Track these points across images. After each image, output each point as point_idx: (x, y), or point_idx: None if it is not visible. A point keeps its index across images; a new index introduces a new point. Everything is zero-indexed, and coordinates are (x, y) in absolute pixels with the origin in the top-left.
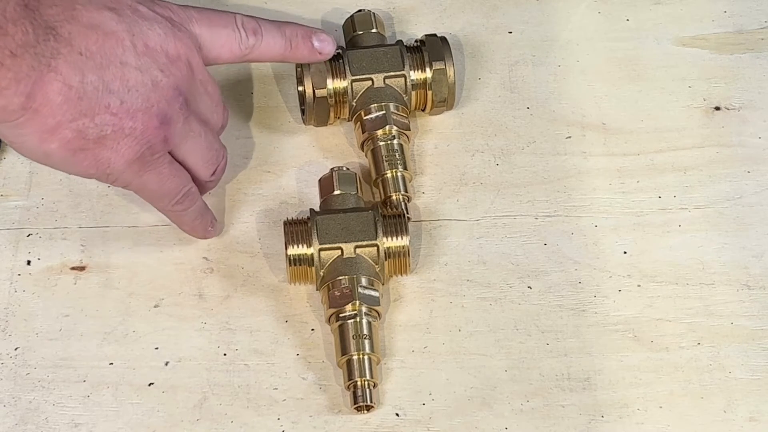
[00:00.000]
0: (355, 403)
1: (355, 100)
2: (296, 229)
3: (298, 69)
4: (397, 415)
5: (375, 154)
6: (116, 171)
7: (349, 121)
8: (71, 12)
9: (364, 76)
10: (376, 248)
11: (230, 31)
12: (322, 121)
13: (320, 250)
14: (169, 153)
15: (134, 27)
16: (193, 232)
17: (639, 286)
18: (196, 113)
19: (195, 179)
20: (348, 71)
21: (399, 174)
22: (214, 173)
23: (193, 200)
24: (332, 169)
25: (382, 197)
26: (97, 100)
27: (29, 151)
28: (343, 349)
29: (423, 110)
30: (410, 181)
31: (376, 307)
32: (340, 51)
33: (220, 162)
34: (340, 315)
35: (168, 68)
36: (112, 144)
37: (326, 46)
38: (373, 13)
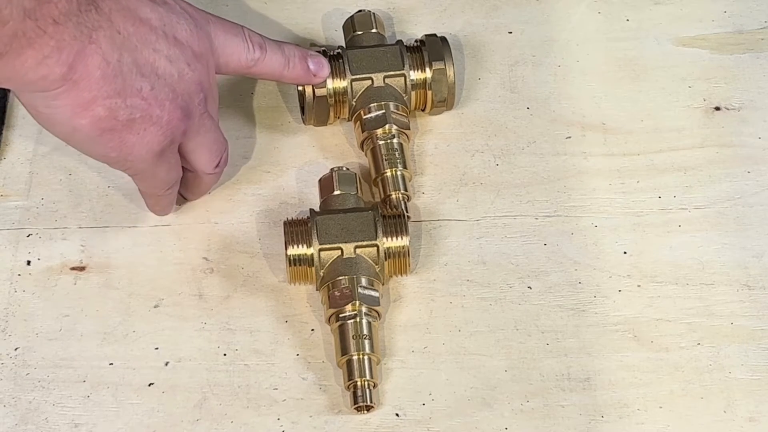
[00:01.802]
0: (355, 403)
1: (354, 100)
2: (296, 229)
3: None
4: (397, 415)
5: (374, 153)
6: (137, 158)
7: (348, 120)
8: None
9: (363, 76)
10: (376, 248)
11: (240, 40)
12: (322, 121)
13: (320, 250)
14: None
15: (165, 18)
16: (162, 211)
17: (639, 286)
18: (208, 112)
19: (198, 172)
20: (348, 71)
21: (399, 173)
22: (217, 165)
23: (176, 188)
24: (332, 169)
25: (382, 196)
26: (131, 81)
27: (57, 125)
28: (343, 350)
29: (423, 110)
30: (410, 180)
31: (376, 307)
32: (340, 51)
33: (223, 154)
34: (340, 315)
35: (194, 63)
36: (139, 129)
37: (321, 69)
38: (373, 13)
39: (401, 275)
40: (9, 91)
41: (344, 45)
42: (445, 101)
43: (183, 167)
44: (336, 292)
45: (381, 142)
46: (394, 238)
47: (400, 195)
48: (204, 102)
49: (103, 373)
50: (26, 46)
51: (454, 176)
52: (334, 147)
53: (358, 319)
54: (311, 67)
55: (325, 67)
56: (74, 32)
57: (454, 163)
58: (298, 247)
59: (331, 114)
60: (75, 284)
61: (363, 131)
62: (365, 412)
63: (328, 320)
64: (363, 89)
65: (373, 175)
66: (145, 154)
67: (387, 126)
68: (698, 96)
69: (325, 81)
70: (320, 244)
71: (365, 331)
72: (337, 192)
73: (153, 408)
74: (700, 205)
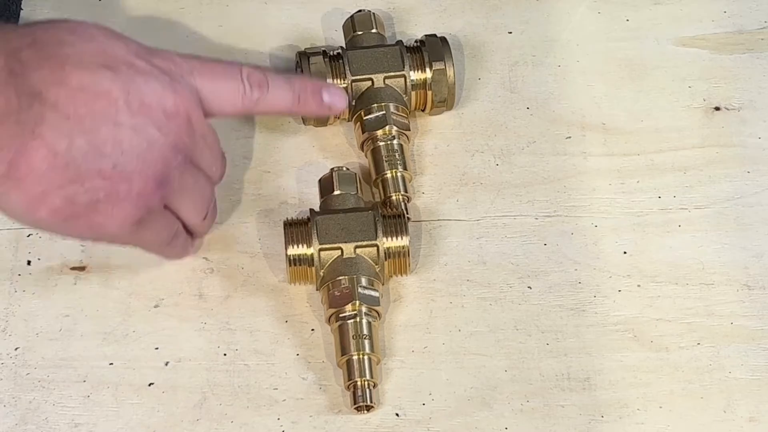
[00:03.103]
0: (355, 403)
1: (355, 100)
2: (296, 230)
3: (298, 69)
4: (397, 415)
5: (375, 154)
6: (113, 234)
7: (349, 121)
8: (60, 73)
9: (364, 77)
10: (376, 248)
11: (234, 83)
12: (322, 121)
13: (320, 250)
14: None
15: (130, 84)
16: (178, 257)
17: (639, 286)
18: (193, 166)
19: (185, 224)
20: (348, 71)
21: (399, 174)
22: (204, 218)
23: (178, 237)
24: (332, 169)
25: (382, 197)
26: (86, 165)
27: (18, 217)
28: (343, 349)
29: (423, 110)
30: (410, 182)
31: (376, 307)
32: (340, 51)
33: (209, 207)
34: (340, 315)
35: (165, 126)
36: (106, 208)
37: (337, 101)
38: (373, 13)
39: (401, 275)
40: None
41: (344, 45)
42: (445, 101)
43: None
44: (336, 292)
45: (381, 144)
46: (394, 238)
47: (401, 196)
48: (183, 162)
49: (103, 373)
50: None
51: (454, 176)
52: (334, 147)
53: (358, 319)
54: (326, 99)
55: (342, 98)
56: (14, 130)
57: (454, 163)
58: (298, 247)
59: (331, 114)
60: (75, 284)
61: (363, 132)
62: (365, 412)
63: (328, 320)
64: (363, 90)
65: (374, 176)
66: (120, 229)
67: (387, 127)
68: (698, 96)
69: (326, 81)
70: (320, 244)
71: (365, 331)
72: (337, 192)
73: (153, 408)
74: (700, 205)
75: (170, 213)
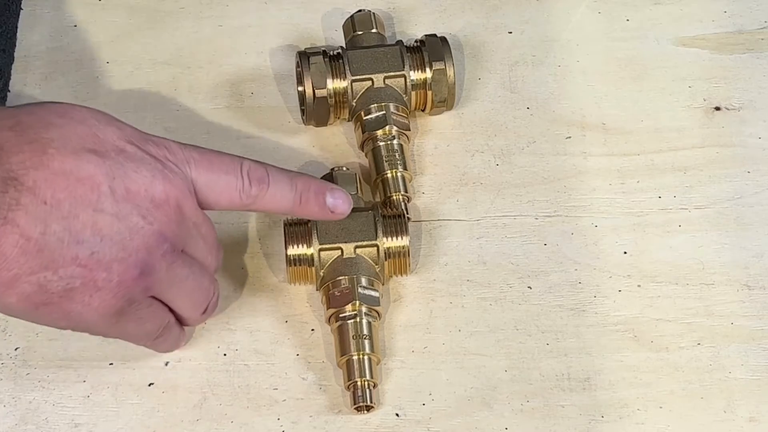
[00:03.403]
0: (355, 404)
1: (355, 101)
2: (296, 230)
3: (298, 69)
4: (397, 415)
5: (375, 154)
6: (90, 323)
7: (349, 121)
8: (41, 157)
9: (364, 77)
10: (376, 248)
11: (232, 178)
12: (322, 121)
13: (320, 250)
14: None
15: (117, 170)
16: (169, 350)
17: (639, 286)
18: (187, 256)
19: (183, 318)
20: (348, 71)
21: (399, 174)
22: (204, 312)
23: (170, 330)
24: (332, 169)
25: (382, 197)
26: (61, 251)
27: None
28: (343, 350)
29: (423, 110)
30: (410, 181)
31: (376, 307)
32: (340, 51)
33: (211, 300)
34: (340, 315)
35: (152, 214)
36: (82, 297)
37: (340, 205)
38: (373, 13)
39: (401, 275)
40: (8, 91)
41: (344, 45)
42: (445, 101)
43: None
44: (336, 292)
45: (381, 144)
46: (394, 238)
47: (401, 196)
48: (171, 252)
49: (103, 373)
50: None
51: (454, 176)
52: (334, 147)
53: (358, 319)
54: (329, 202)
55: (346, 202)
56: None
57: (454, 163)
58: (298, 247)
59: (331, 114)
60: None
61: (363, 132)
62: (365, 412)
63: (328, 320)
64: (363, 90)
65: (374, 177)
66: (99, 319)
67: (387, 127)
68: (698, 96)
69: (326, 82)
70: (320, 244)
71: (365, 331)
72: None
73: (153, 408)
74: (700, 205)
75: (160, 305)
